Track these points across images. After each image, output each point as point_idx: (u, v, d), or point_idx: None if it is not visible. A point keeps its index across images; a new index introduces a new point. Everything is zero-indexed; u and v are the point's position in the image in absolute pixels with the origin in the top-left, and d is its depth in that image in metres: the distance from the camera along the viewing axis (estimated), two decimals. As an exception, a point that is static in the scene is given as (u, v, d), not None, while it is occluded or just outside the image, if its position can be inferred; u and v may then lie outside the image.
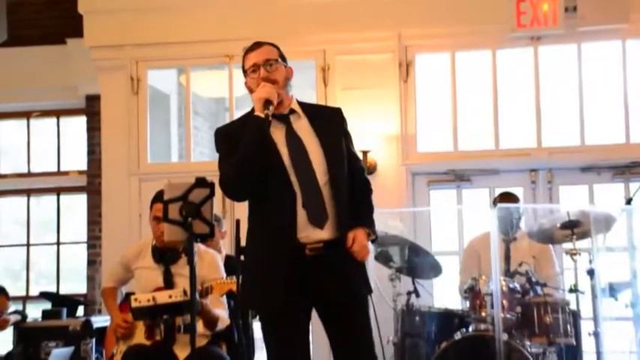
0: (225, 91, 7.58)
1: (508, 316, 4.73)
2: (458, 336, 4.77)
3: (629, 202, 5.11)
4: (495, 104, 6.40)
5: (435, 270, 5.34)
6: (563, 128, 6.38)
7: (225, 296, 4.32)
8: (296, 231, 3.11)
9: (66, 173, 7.73)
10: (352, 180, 3.29)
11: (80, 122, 7.58)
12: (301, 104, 3.35)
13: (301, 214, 3.12)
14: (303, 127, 3.26)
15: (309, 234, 3.13)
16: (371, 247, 3.22)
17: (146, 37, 6.64)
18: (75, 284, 7.51)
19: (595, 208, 5.04)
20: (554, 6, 6.14)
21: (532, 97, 6.36)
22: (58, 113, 7.76)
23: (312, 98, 6.64)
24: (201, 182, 3.43)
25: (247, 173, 3.11)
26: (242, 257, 3.44)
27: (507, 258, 5.20)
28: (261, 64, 3.25)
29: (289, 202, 3.12)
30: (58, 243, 7.69)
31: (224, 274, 4.31)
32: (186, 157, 6.98)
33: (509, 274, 5.09)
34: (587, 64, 6.34)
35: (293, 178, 3.14)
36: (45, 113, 7.78)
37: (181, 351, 4.15)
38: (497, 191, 6.05)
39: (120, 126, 6.70)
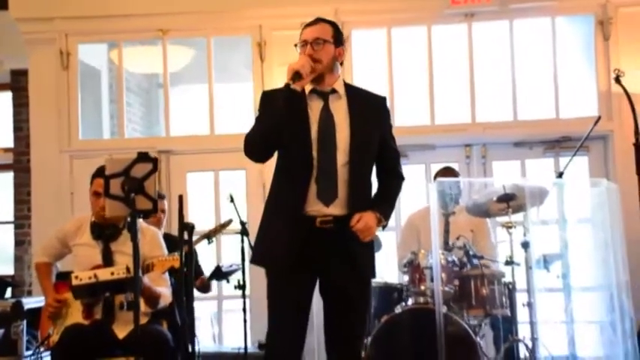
0: (158, 67, 7.45)
1: (446, 289, 4.79)
2: (398, 309, 4.81)
3: (560, 175, 5.24)
4: (431, 80, 6.45)
5: (376, 245, 5.36)
6: (496, 104, 6.49)
7: (167, 273, 4.26)
8: (304, 203, 3.24)
9: (-10, 150, 7.48)
10: (384, 171, 3.45)
11: (5, 98, 7.33)
12: (348, 86, 3.44)
13: (313, 189, 3.25)
14: (339, 107, 3.35)
15: (319, 209, 3.25)
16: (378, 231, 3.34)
17: (77, 9, 6.45)
18: (3, 265, 7.30)
19: (529, 182, 5.13)
20: (488, -17, 6.21)
21: (466, 73, 6.44)
22: (-19, 88, 7.49)
23: (247, 75, 6.59)
24: (143, 157, 3.38)
25: (264, 138, 3.25)
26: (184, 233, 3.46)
27: (446, 232, 5.27)
28: (310, 41, 3.34)
29: (306, 175, 3.25)
30: (-16, 223, 7.45)
31: (165, 251, 4.25)
32: (119, 134, 6.82)
33: (447, 247, 5.16)
34: (519, 40, 6.45)
35: (315, 153, 3.25)
36: (-34, 88, 7.50)
37: (121, 330, 4.08)
38: (434, 167, 6.12)
39: (49, 102, 6.50)
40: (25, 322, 5.19)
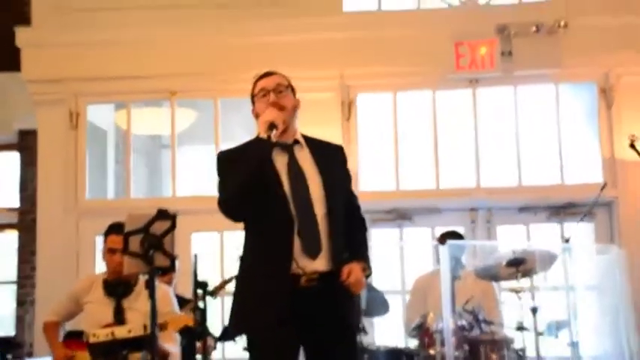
0: (162, 129, 7.53)
1: (457, 353, 4.76)
2: (408, 373, 4.77)
3: (567, 241, 5.26)
4: (436, 144, 6.53)
5: (384, 307, 5.35)
6: (501, 169, 6.55)
7: (177, 333, 4.23)
8: (291, 260, 3.10)
9: (-5, 210, 7.47)
10: (350, 218, 3.32)
11: (12, 158, 7.36)
12: (306, 138, 3.36)
13: (297, 244, 3.12)
14: (305, 158, 3.27)
15: (305, 264, 3.12)
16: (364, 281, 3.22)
17: (87, 71, 6.54)
18: (2, 325, 7.22)
19: (539, 247, 5.15)
20: (492, 50, 6.34)
21: (471, 137, 6.53)
22: (-13, 148, 7.52)
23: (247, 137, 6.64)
24: (162, 214, 3.39)
25: (246, 192, 3.09)
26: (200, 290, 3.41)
27: (453, 296, 5.25)
28: (270, 89, 3.28)
29: (286, 230, 3.11)
30: (-15, 282, 7.40)
31: (177, 309, 4.24)
32: (125, 193, 6.84)
33: (454, 312, 5.14)
34: (523, 106, 6.56)
35: (292, 208, 3.14)
36: (-26, 148, 7.53)
37: (133, 389, 4.03)
38: (438, 230, 6.15)
39: (57, 161, 6.55)
40: (27, 383, 5.11)
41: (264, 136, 3.11)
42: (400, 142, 6.57)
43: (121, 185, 7.26)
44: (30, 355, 6.46)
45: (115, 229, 4.10)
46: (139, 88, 6.63)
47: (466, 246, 5.50)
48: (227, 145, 6.75)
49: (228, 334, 5.19)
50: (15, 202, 7.23)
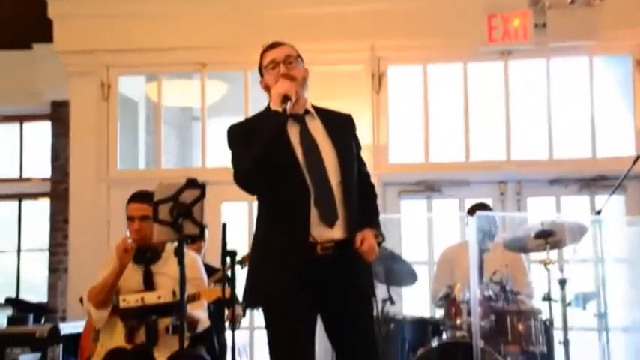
0: (192, 101, 7.57)
1: (483, 323, 4.77)
2: (434, 343, 4.80)
3: (598, 213, 5.22)
4: (466, 117, 6.50)
5: (412, 277, 5.38)
6: (531, 142, 6.51)
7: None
8: (308, 229, 3.10)
9: (28, 180, 7.59)
10: (360, 184, 3.31)
11: (44, 128, 7.46)
12: (314, 107, 3.35)
13: (313, 213, 3.12)
14: (316, 128, 3.26)
15: (321, 233, 3.12)
16: (377, 248, 3.22)
17: (118, 42, 6.59)
18: (35, 292, 7.36)
19: (568, 219, 5.13)
20: (525, 22, 6.27)
21: (502, 110, 6.48)
22: (21, 119, 7.63)
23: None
24: (192, 183, 3.42)
25: (262, 165, 3.09)
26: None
27: (481, 267, 5.26)
28: (280, 60, 3.26)
29: (303, 199, 3.11)
30: (19, 250, 7.53)
31: (205, 276, 4.30)
32: (155, 164, 6.91)
33: (482, 282, 5.15)
34: (555, 79, 6.49)
35: (306, 177, 3.14)
36: (8, 118, 7.64)
37: (161, 354, 4.10)
38: (467, 202, 6.14)
39: (89, 132, 6.64)
40: (61, 346, 5.22)
41: (278, 108, 3.10)
42: (430, 114, 6.54)
43: (151, 156, 7.34)
44: (63, 320, 6.60)
45: (134, 197, 4.20)
46: (170, 59, 6.66)
47: (495, 218, 5.49)
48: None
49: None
50: (47, 171, 7.34)
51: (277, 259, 3.12)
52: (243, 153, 3.18)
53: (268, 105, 3.22)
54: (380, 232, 3.25)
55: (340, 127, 3.32)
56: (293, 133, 3.20)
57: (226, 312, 5.08)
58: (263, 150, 3.08)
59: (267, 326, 3.18)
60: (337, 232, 3.14)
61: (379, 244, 3.25)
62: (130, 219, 4.21)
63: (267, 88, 3.30)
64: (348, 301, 3.17)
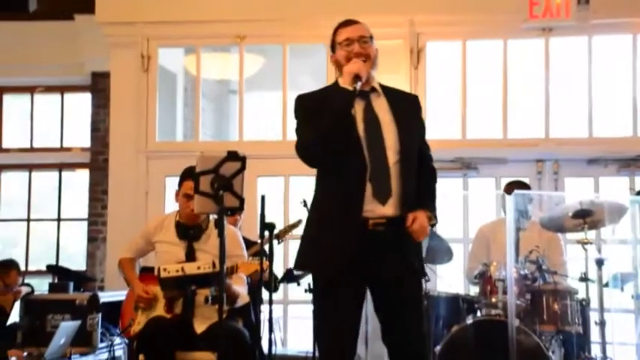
0: (229, 74, 7.60)
1: (518, 302, 4.76)
2: (469, 320, 4.80)
3: (638, 193, 5.17)
4: (505, 94, 6.44)
5: (449, 255, 5.38)
6: (571, 120, 6.44)
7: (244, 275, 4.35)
8: (362, 204, 3.16)
9: (68, 149, 7.69)
10: (421, 167, 3.34)
11: (84, 99, 7.54)
12: (381, 86, 3.39)
13: (368, 188, 3.17)
14: (381, 105, 3.30)
15: (374, 208, 3.18)
16: (429, 230, 3.27)
17: (158, 14, 6.63)
18: (73, 262, 7.49)
19: (608, 198, 5.08)
20: (567, -2, 6.19)
21: (541, 88, 6.42)
22: (62, 89, 7.70)
23: (322, 82, 6.67)
24: (232, 156, 3.45)
25: (328, 141, 3.15)
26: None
27: (517, 246, 5.24)
28: (355, 39, 3.31)
29: (359, 175, 3.17)
30: (59, 219, 7.66)
31: (245, 251, 4.34)
32: (194, 137, 6.97)
33: (517, 261, 5.13)
34: (597, 56, 6.40)
35: (365, 153, 3.19)
36: (49, 89, 7.72)
37: (199, 325, 4.18)
38: (504, 180, 6.10)
39: (129, 103, 6.70)
40: (100, 314, 5.32)
41: (349, 87, 3.15)
42: (468, 91, 6.49)
43: (189, 128, 7.40)
44: (101, 289, 6.72)
45: (191, 174, 4.16)
46: (209, 32, 6.69)
47: (532, 196, 5.45)
48: (294, 91, 6.87)
49: (291, 277, 5.32)
50: (86, 142, 7.43)
51: (331, 230, 3.18)
52: (307, 125, 3.24)
53: (336, 81, 3.28)
54: (434, 214, 3.29)
55: (405, 107, 3.36)
56: (357, 109, 3.24)
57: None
58: (330, 127, 3.14)
59: (314, 293, 3.28)
60: (389, 209, 3.19)
61: (432, 226, 3.29)
62: (187, 197, 4.20)
63: (337, 64, 3.34)
64: (397, 279, 3.21)
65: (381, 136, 3.22)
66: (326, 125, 3.14)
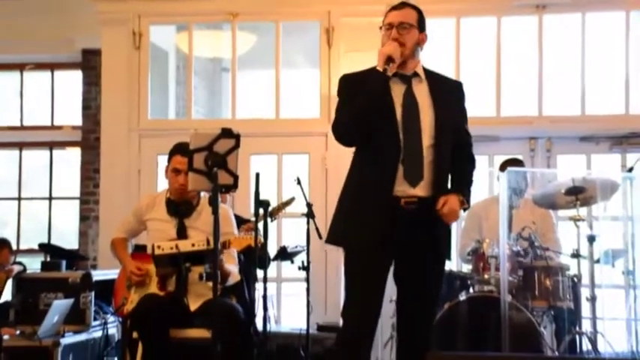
0: (222, 52, 7.55)
1: (510, 278, 4.79)
2: (462, 297, 4.82)
3: (630, 170, 5.18)
4: (498, 71, 6.43)
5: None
6: (564, 97, 6.44)
7: (235, 252, 4.34)
8: (394, 184, 3.28)
9: (59, 128, 7.65)
10: (459, 153, 3.46)
11: (75, 76, 7.49)
12: (427, 71, 3.50)
13: (399, 170, 3.29)
14: (421, 90, 3.40)
15: (405, 189, 3.30)
16: (461, 214, 3.42)
17: (150, -9, 6.57)
18: (65, 240, 7.47)
19: (600, 175, 5.09)
20: (560, -26, 6.17)
21: (535, 65, 6.40)
22: (52, 66, 7.64)
23: (316, 60, 6.64)
24: (227, 133, 3.44)
25: (359, 121, 3.29)
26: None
27: (510, 223, 5.26)
28: (395, 24, 3.40)
29: (393, 156, 3.29)
30: (50, 198, 7.63)
31: (236, 228, 4.34)
32: (186, 115, 6.94)
33: (510, 238, 5.15)
34: (590, 34, 6.38)
35: (401, 135, 3.30)
36: (39, 66, 7.66)
37: (193, 302, 4.18)
38: (497, 158, 6.12)
39: (120, 81, 6.64)
40: (93, 293, 5.32)
41: (380, 68, 3.26)
42: (462, 68, 6.47)
43: (181, 106, 7.36)
44: (94, 267, 6.71)
45: (180, 149, 4.16)
46: (201, 9, 6.64)
47: (525, 174, 5.46)
48: (287, 69, 6.86)
49: (285, 254, 5.33)
50: (78, 120, 7.39)
51: (363, 207, 3.30)
52: (344, 105, 3.37)
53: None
54: (467, 199, 3.41)
55: (447, 92, 3.47)
56: (397, 92, 3.35)
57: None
58: (360, 108, 3.26)
59: (346, 267, 3.39)
60: (420, 191, 3.31)
61: (464, 210, 3.43)
62: (176, 171, 4.22)
63: (382, 45, 3.42)
64: (421, 257, 3.33)
65: (417, 120, 3.32)
66: (357, 106, 3.28)
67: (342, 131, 3.34)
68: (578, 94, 6.35)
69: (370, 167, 3.34)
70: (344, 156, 3.68)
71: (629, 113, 6.29)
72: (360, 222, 3.31)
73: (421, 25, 3.48)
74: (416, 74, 3.43)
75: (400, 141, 3.30)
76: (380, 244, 3.28)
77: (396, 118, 3.31)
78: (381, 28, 3.47)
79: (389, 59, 3.27)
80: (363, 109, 3.27)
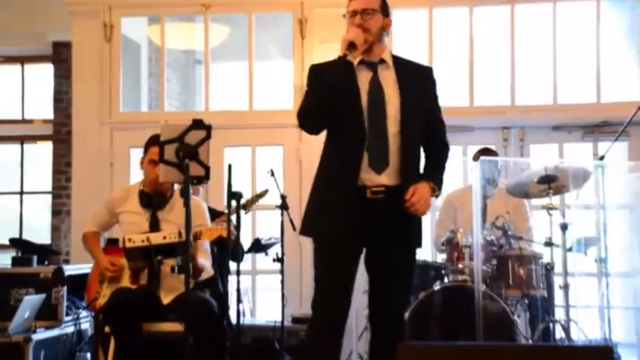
0: (195, 44, 7.49)
1: (484, 267, 4.80)
2: (436, 286, 4.83)
3: (601, 158, 5.21)
4: (471, 61, 6.43)
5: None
6: (536, 87, 6.47)
7: (208, 246, 4.31)
8: (359, 172, 3.26)
9: (30, 121, 7.56)
10: (430, 141, 3.44)
11: (46, 69, 7.40)
12: (395, 57, 3.47)
13: (365, 157, 3.28)
14: (388, 77, 3.38)
15: (371, 177, 3.28)
16: (433, 201, 3.41)
17: (120, -17, 6.50)
18: (37, 235, 7.39)
19: (572, 164, 5.12)
20: (532, -36, 6.18)
21: (507, 55, 6.42)
22: (22, 60, 7.55)
23: (289, 51, 6.62)
24: (198, 124, 3.41)
25: (320, 108, 3.27)
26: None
27: (484, 212, 5.27)
28: (359, 11, 3.37)
29: (357, 144, 3.28)
30: (22, 192, 7.55)
31: (209, 221, 4.31)
32: (159, 107, 6.88)
33: (484, 227, 5.17)
34: (561, 23, 6.40)
35: (366, 123, 3.28)
36: (9, 59, 7.57)
37: (166, 296, 4.15)
38: (471, 148, 6.13)
39: (92, 74, 6.57)
40: (65, 288, 5.27)
41: (341, 53, 3.25)
42: (434, 59, 6.47)
43: (154, 99, 7.31)
44: (67, 262, 6.65)
45: (157, 140, 4.12)
46: (173, 1, 6.60)
47: (498, 163, 5.48)
48: (260, 61, 6.82)
49: (259, 246, 5.31)
50: (49, 113, 7.30)
51: (329, 199, 3.31)
52: (309, 94, 3.38)
53: None
54: (438, 186, 3.39)
55: (416, 78, 3.44)
56: (363, 79, 3.34)
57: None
58: (319, 96, 3.26)
59: (315, 258, 3.40)
60: (386, 179, 3.29)
61: (436, 197, 3.44)
62: (153, 162, 4.17)
63: None
64: (391, 247, 3.32)
65: (382, 107, 3.30)
66: (318, 93, 3.28)
67: (304, 118, 3.33)
68: (550, 84, 6.38)
69: (336, 157, 3.35)
70: (318, 147, 3.65)
71: (601, 102, 6.33)
72: (327, 212, 3.31)
73: (385, 10, 3.45)
74: (382, 61, 3.41)
75: (365, 128, 3.28)
76: (347, 234, 3.27)
77: (362, 105, 3.30)
78: (344, 16, 3.44)
79: (351, 45, 3.25)
80: (324, 95, 3.25)
